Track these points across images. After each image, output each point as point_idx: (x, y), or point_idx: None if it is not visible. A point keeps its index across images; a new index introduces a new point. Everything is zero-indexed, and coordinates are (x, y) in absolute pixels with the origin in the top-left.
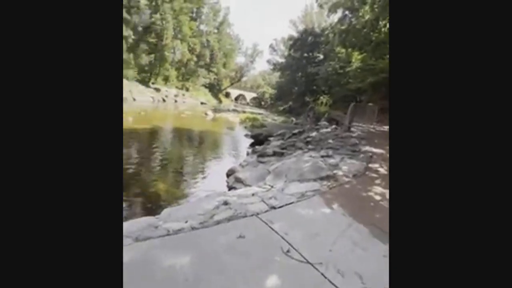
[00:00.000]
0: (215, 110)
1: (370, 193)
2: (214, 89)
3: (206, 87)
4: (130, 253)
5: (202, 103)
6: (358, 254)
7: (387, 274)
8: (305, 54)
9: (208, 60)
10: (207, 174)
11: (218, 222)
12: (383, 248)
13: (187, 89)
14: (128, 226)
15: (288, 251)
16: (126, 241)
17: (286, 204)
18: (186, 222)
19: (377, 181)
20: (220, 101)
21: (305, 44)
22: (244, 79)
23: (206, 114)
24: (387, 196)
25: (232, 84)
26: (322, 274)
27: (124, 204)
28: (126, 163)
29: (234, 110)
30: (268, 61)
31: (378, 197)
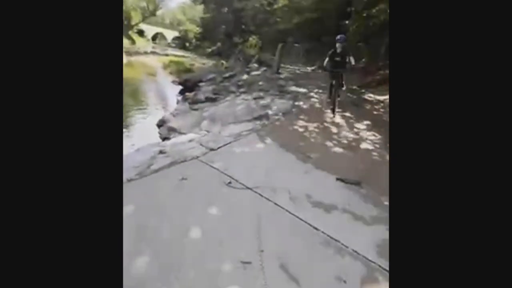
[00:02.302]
0: (129, 53)
1: (295, 127)
2: None
3: None
4: None
5: None
6: (286, 174)
7: (307, 185)
8: None
9: None
10: (134, 128)
11: (157, 170)
12: (304, 167)
13: None
14: None
15: (229, 182)
16: None
17: (224, 145)
18: None
19: (301, 116)
20: (133, 41)
21: None
22: (160, 12)
23: None
24: (309, 128)
25: (144, 18)
26: (260, 194)
27: None
28: None
29: (153, 53)
30: None
31: (301, 129)
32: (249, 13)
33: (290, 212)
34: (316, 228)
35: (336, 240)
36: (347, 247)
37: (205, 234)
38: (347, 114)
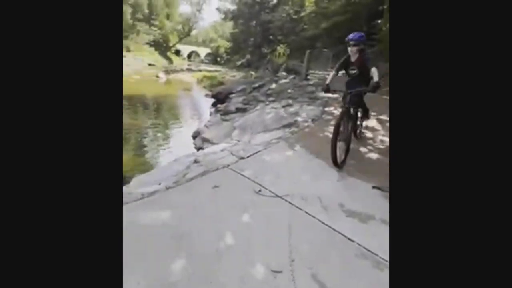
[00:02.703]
0: (167, 72)
1: (326, 133)
2: (161, 47)
3: (151, 45)
4: None
5: (149, 64)
6: (317, 182)
7: (340, 194)
8: None
9: (146, 11)
10: (172, 140)
11: (191, 179)
12: (336, 175)
13: (128, 49)
14: None
15: (259, 190)
16: None
17: (254, 153)
18: (160, 184)
19: (332, 122)
20: (171, 61)
21: None
22: (194, 32)
23: (157, 76)
24: None
25: (181, 39)
26: (290, 202)
27: None
28: None
29: (189, 70)
30: (218, 9)
31: None
32: (277, 24)
33: (322, 222)
34: (350, 240)
35: (373, 253)
36: (386, 260)
37: (237, 241)
38: (383, 117)
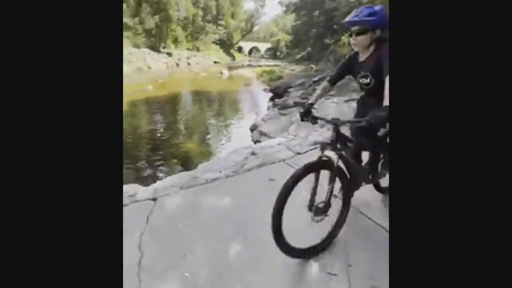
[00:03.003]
0: (230, 68)
1: None
2: (225, 45)
3: (216, 44)
4: (178, 198)
5: (215, 62)
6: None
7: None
8: None
9: (214, 12)
10: (231, 132)
11: (249, 170)
12: None
13: (198, 49)
14: (172, 179)
15: None
16: (173, 190)
17: (311, 149)
18: (221, 172)
19: None
20: (233, 58)
21: None
22: (256, 28)
23: (221, 73)
24: None
25: (243, 36)
26: None
27: (162, 165)
28: (155, 129)
29: (249, 65)
30: (280, 2)
31: None
32: (343, 10)
33: (386, 230)
34: None
35: None
36: None
37: (292, 237)
38: None
